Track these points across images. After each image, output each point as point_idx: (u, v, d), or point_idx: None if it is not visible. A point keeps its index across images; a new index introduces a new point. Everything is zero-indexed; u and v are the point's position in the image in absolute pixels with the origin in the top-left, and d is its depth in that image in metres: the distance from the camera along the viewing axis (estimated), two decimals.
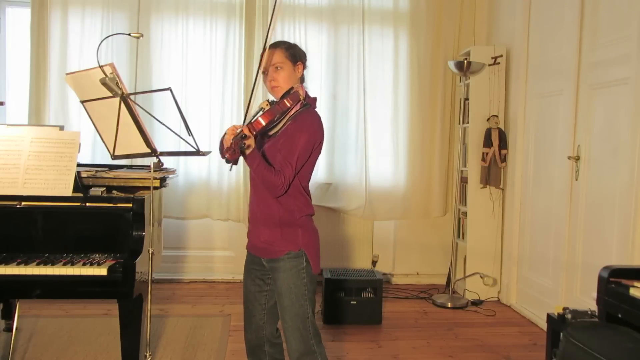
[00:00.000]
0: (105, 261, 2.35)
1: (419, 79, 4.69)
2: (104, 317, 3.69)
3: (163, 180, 2.84)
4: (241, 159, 2.00)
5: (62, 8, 4.38)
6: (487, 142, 4.31)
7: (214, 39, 4.55)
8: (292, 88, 2.06)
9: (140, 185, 2.74)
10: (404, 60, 4.70)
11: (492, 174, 4.32)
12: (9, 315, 3.11)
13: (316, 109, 2.14)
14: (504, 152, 4.29)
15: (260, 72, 2.04)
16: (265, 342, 2.18)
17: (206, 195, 4.58)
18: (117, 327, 2.45)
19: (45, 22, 4.36)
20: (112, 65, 2.26)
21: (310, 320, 2.06)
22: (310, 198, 2.15)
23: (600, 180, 3.23)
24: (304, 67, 2.15)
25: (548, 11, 3.88)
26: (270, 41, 2.04)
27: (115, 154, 2.45)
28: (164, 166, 2.76)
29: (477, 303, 4.30)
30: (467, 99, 4.49)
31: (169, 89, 2.25)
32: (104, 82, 2.23)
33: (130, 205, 2.46)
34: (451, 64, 4.24)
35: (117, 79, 2.26)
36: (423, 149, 4.72)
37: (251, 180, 2.15)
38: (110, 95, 2.28)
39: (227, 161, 1.92)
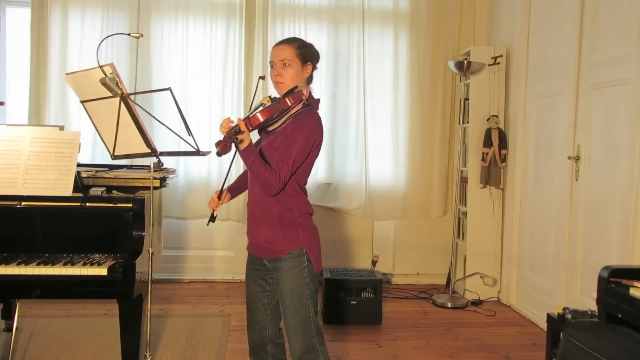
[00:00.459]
0: (105, 261, 2.35)
1: (419, 79, 4.69)
2: (104, 317, 3.69)
3: (163, 180, 2.84)
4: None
5: (62, 8, 4.38)
6: (487, 142, 4.31)
7: (214, 39, 4.55)
8: (296, 87, 2.05)
9: (140, 185, 2.74)
10: (404, 60, 4.71)
11: (492, 174, 4.32)
12: (9, 315, 3.12)
13: (318, 111, 2.13)
14: (504, 152, 4.29)
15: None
16: (268, 342, 2.19)
17: (206, 195, 4.57)
18: (117, 327, 2.45)
19: (45, 22, 4.36)
20: (112, 65, 2.26)
21: (313, 319, 2.06)
22: (307, 197, 2.15)
23: (600, 180, 3.23)
24: (314, 68, 2.14)
25: (548, 11, 3.88)
26: (273, 40, 2.05)
27: (115, 154, 2.45)
28: (164, 166, 2.76)
29: (477, 303, 4.30)
30: (467, 99, 4.49)
31: (169, 89, 2.25)
32: (104, 82, 2.24)
33: (130, 205, 2.46)
34: (451, 64, 4.24)
35: (117, 79, 2.26)
36: (423, 149, 4.72)
37: (250, 180, 2.15)
38: (110, 95, 2.28)
39: (218, 154, 1.90)
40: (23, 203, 2.42)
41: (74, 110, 4.35)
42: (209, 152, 2.43)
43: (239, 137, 1.89)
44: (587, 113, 3.37)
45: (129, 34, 2.55)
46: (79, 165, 2.56)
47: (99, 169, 2.92)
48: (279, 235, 2.05)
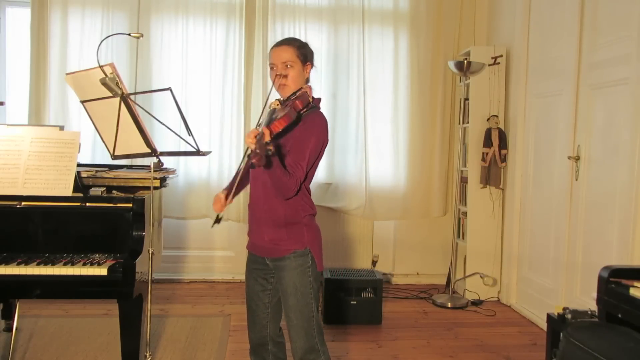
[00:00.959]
0: (105, 261, 2.35)
1: (419, 79, 4.69)
2: (104, 317, 3.69)
3: (163, 180, 2.84)
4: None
5: (62, 8, 4.38)
6: (487, 142, 4.31)
7: (214, 39, 4.55)
8: (300, 88, 2.05)
9: (140, 185, 2.74)
10: (404, 60, 4.70)
11: (492, 174, 4.32)
12: (9, 315, 3.12)
13: (320, 109, 2.13)
14: (504, 152, 4.29)
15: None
16: (268, 341, 2.19)
17: (206, 195, 4.58)
18: (117, 327, 2.45)
19: (45, 22, 4.36)
20: (112, 65, 2.27)
21: (315, 319, 2.06)
22: (311, 197, 2.15)
23: (600, 180, 3.23)
24: (312, 67, 2.14)
25: (548, 11, 3.88)
26: (273, 40, 2.04)
27: (115, 154, 2.46)
28: (164, 166, 2.76)
29: (477, 303, 4.30)
30: (467, 99, 4.49)
31: (169, 89, 2.25)
32: (104, 82, 2.24)
33: (130, 205, 2.46)
34: (451, 64, 4.24)
35: (117, 79, 2.26)
36: (423, 148, 4.72)
37: (252, 181, 2.14)
38: (110, 95, 2.28)
39: (252, 165, 1.85)
40: (23, 203, 2.42)
41: (74, 110, 4.35)
42: (209, 152, 2.43)
43: (270, 148, 1.83)
44: (587, 113, 3.37)
45: (129, 34, 2.55)
46: (79, 165, 2.56)
47: (99, 169, 2.93)
48: (284, 234, 2.04)
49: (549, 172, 3.81)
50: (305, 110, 2.04)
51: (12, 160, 2.44)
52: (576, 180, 3.46)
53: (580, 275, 3.40)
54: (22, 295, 2.63)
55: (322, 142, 2.04)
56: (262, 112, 2.08)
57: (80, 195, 2.49)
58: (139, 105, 2.36)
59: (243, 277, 4.99)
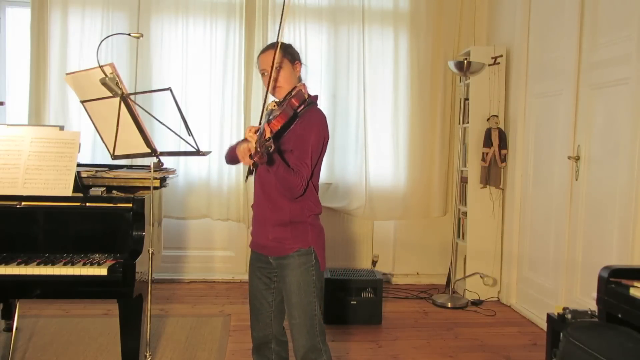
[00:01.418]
0: (105, 261, 2.35)
1: (419, 79, 4.69)
2: (104, 317, 3.69)
3: (163, 180, 2.84)
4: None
5: (62, 8, 4.38)
6: (487, 142, 4.31)
7: (214, 39, 4.55)
8: (294, 87, 2.07)
9: (140, 185, 2.74)
10: (404, 60, 4.70)
11: (492, 174, 4.32)
12: (9, 315, 3.12)
13: (318, 106, 2.14)
14: (504, 152, 4.29)
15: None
16: (272, 340, 2.19)
17: (206, 195, 4.58)
18: (117, 327, 2.45)
19: (45, 22, 4.36)
20: (112, 65, 2.27)
21: (318, 318, 2.07)
22: (318, 195, 2.16)
23: (600, 180, 3.23)
24: (301, 65, 2.16)
25: (548, 11, 3.88)
26: (274, 40, 2.04)
27: (115, 154, 2.46)
28: (164, 166, 2.76)
29: (477, 303, 4.30)
30: (467, 99, 4.49)
31: (169, 89, 2.25)
32: (104, 82, 2.24)
33: (130, 205, 2.46)
34: (451, 64, 4.24)
35: (117, 79, 2.26)
36: (423, 149, 4.72)
37: (257, 180, 2.13)
38: (110, 95, 2.28)
39: (252, 167, 1.88)
40: (23, 203, 2.42)
41: (74, 110, 4.35)
42: (209, 152, 2.43)
43: (270, 145, 1.84)
44: (587, 113, 3.37)
45: (129, 34, 2.55)
46: (79, 165, 2.56)
47: (99, 169, 2.92)
48: (288, 233, 2.05)
49: (549, 172, 3.81)
50: (302, 107, 2.05)
51: (12, 160, 2.44)
52: (576, 180, 3.46)
53: (580, 275, 3.40)
54: (22, 295, 2.63)
55: (322, 137, 2.05)
56: (262, 115, 2.08)
57: (80, 195, 2.49)
58: (139, 105, 2.36)
59: (243, 277, 5.04)
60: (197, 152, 2.33)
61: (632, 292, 2.08)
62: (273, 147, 1.84)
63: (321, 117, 2.08)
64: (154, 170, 2.52)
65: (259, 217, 2.14)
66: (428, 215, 4.81)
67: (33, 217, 2.43)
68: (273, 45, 2.10)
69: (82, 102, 2.41)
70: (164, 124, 2.37)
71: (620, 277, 2.20)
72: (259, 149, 1.80)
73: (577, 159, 3.44)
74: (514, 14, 4.30)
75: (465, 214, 4.52)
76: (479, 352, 3.33)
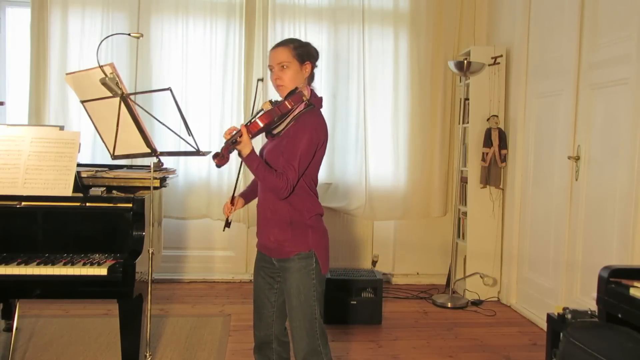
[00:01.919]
0: (105, 261, 2.35)
1: (419, 79, 4.69)
2: (104, 317, 3.69)
3: (163, 180, 2.84)
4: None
5: (62, 8, 4.38)
6: (487, 142, 4.31)
7: (214, 39, 4.55)
8: (296, 88, 2.05)
9: (140, 185, 2.74)
10: (404, 60, 4.70)
11: (492, 174, 4.32)
12: (9, 315, 3.12)
13: (321, 109, 2.13)
14: (504, 152, 4.29)
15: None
16: (273, 340, 2.19)
17: (206, 195, 4.58)
18: (117, 327, 2.45)
19: (45, 22, 4.36)
20: (112, 65, 2.27)
21: (318, 321, 2.06)
22: (318, 197, 2.16)
23: (600, 180, 3.23)
24: (313, 66, 2.13)
25: (548, 11, 3.88)
26: (273, 40, 2.05)
27: (115, 154, 2.45)
28: (164, 166, 2.77)
29: (477, 303, 4.30)
30: (467, 99, 4.49)
31: (169, 89, 2.25)
32: (104, 82, 2.24)
33: (130, 205, 2.46)
34: (451, 64, 4.24)
35: (117, 79, 2.26)
36: (423, 149, 4.72)
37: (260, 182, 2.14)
38: (110, 95, 2.28)
39: (217, 166, 1.94)
40: (23, 203, 2.42)
41: (74, 110, 4.35)
42: (209, 152, 2.42)
43: (237, 147, 1.91)
44: (587, 113, 3.37)
45: (129, 34, 2.55)
46: (79, 165, 2.56)
47: (99, 169, 2.92)
48: (289, 235, 2.05)
49: (549, 172, 3.81)
50: (299, 109, 2.04)
51: (12, 160, 2.44)
52: (576, 180, 3.46)
53: (580, 275, 3.40)
54: (22, 295, 2.63)
55: (315, 142, 2.03)
56: (252, 112, 2.09)
57: (80, 195, 2.49)
58: (139, 105, 2.36)
59: (243, 277, 5.04)
60: (197, 152, 2.33)
61: (632, 292, 2.08)
62: (247, 147, 1.92)
63: (316, 121, 2.06)
64: (154, 170, 2.52)
65: (261, 217, 2.14)
66: (428, 215, 4.81)
67: (33, 217, 2.43)
68: (285, 42, 2.09)
69: (82, 102, 2.40)
70: (164, 124, 2.36)
71: (620, 277, 2.20)
72: (222, 151, 1.86)
73: (577, 159, 3.44)
74: (514, 14, 4.30)
75: (465, 214, 4.52)
76: (479, 352, 3.33)
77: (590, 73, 3.35)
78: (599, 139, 3.26)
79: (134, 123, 2.36)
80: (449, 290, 4.39)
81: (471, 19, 4.84)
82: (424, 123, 4.71)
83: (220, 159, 1.87)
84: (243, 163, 2.02)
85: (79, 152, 2.52)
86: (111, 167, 2.98)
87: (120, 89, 2.26)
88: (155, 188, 2.72)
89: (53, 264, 2.30)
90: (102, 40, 2.73)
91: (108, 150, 2.47)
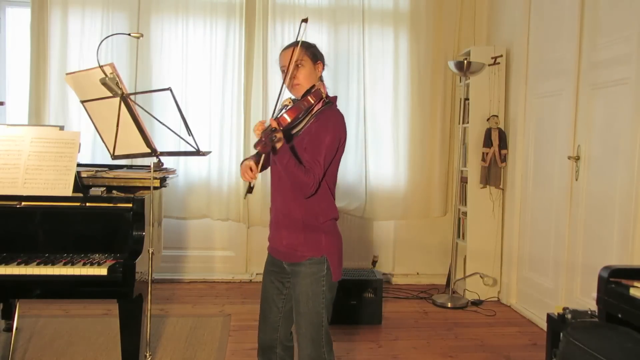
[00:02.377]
0: (105, 261, 2.35)
1: (419, 79, 4.69)
2: (104, 317, 3.69)
3: (163, 180, 2.84)
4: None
5: (62, 8, 4.38)
6: (487, 142, 4.31)
7: (214, 39, 4.55)
8: (313, 86, 2.04)
9: (140, 185, 2.74)
10: (404, 60, 4.71)
11: (492, 174, 4.32)
12: (9, 315, 3.12)
13: (336, 106, 2.11)
14: (504, 152, 4.29)
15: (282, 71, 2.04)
16: (277, 344, 2.16)
17: (206, 195, 4.58)
18: (117, 327, 2.45)
19: (45, 22, 4.36)
20: (112, 65, 2.27)
21: (325, 329, 2.03)
22: (334, 199, 2.11)
23: (600, 180, 3.23)
24: (324, 66, 2.14)
25: (548, 11, 3.88)
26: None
27: (115, 154, 2.46)
28: (164, 166, 2.76)
29: (477, 303, 4.30)
30: (467, 99, 4.49)
31: (169, 89, 2.25)
32: (104, 82, 2.24)
33: (130, 205, 2.46)
34: (451, 64, 4.24)
35: (117, 79, 2.26)
36: (423, 148, 4.73)
37: (273, 182, 2.11)
38: (110, 95, 2.28)
39: (258, 154, 1.86)
40: (23, 203, 2.42)
41: (74, 110, 4.35)
42: (209, 152, 2.42)
43: (276, 135, 1.84)
44: (587, 113, 3.37)
45: (129, 34, 2.55)
46: (79, 165, 2.56)
47: (99, 169, 2.92)
48: (301, 239, 2.01)
49: (549, 172, 3.81)
50: (320, 105, 2.03)
51: (12, 160, 2.44)
52: (576, 180, 3.46)
53: (580, 275, 3.40)
54: (22, 295, 2.63)
55: (338, 138, 2.01)
56: (274, 109, 2.02)
57: (80, 195, 2.49)
58: (139, 105, 2.36)
59: (243, 277, 5.04)
60: (197, 152, 2.32)
61: (632, 292, 2.08)
62: (282, 141, 1.85)
63: (339, 118, 2.04)
64: (154, 170, 2.52)
65: (274, 220, 2.11)
66: (428, 215, 4.82)
67: (33, 217, 2.43)
68: (295, 43, 2.07)
69: (82, 102, 2.40)
70: (164, 124, 2.36)
71: (620, 277, 2.20)
72: (262, 138, 1.79)
73: (577, 159, 3.44)
74: (514, 14, 4.30)
75: (465, 214, 4.52)
76: (479, 352, 3.33)
77: (591, 73, 3.35)
78: (599, 139, 3.26)
79: (134, 123, 2.36)
80: (449, 290, 4.39)
81: (471, 19, 4.84)
82: (424, 123, 4.71)
83: (264, 145, 1.79)
84: (262, 157, 1.97)
85: (79, 152, 2.52)
86: (111, 167, 2.98)
87: (120, 89, 2.26)
88: (155, 188, 2.72)
89: (53, 264, 2.30)
90: (102, 40, 2.73)
91: (108, 150, 2.47)
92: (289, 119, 1.92)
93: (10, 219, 2.42)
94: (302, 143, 1.99)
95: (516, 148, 4.21)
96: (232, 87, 4.56)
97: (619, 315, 2.13)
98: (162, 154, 2.45)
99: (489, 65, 4.34)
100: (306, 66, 2.05)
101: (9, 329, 3.10)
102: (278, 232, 2.08)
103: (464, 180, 4.56)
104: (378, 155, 4.70)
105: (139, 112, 2.36)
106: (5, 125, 2.52)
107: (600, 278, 2.24)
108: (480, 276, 4.35)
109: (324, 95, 2.03)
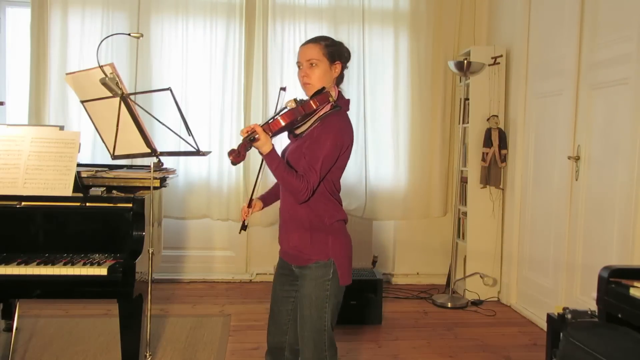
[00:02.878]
0: (105, 261, 2.35)
1: (419, 79, 4.69)
2: (104, 317, 3.69)
3: (163, 180, 2.84)
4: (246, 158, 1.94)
5: (62, 8, 4.38)
6: (487, 142, 4.31)
7: (214, 39, 4.55)
8: (323, 88, 1.98)
9: (140, 185, 2.74)
10: (404, 60, 4.70)
11: (492, 174, 4.32)
12: (9, 315, 3.12)
13: (348, 112, 2.07)
14: (504, 152, 4.29)
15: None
16: (286, 347, 2.15)
17: (206, 195, 4.58)
18: (117, 327, 2.45)
19: (45, 22, 4.36)
20: (112, 65, 2.27)
21: (327, 333, 2.01)
22: (341, 203, 2.09)
23: (600, 180, 3.23)
24: (344, 67, 2.07)
25: (548, 11, 3.88)
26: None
27: (115, 154, 2.46)
28: (164, 166, 2.76)
29: (477, 303, 4.30)
30: (467, 99, 4.49)
31: (169, 89, 2.25)
32: (104, 82, 2.24)
33: (130, 205, 2.47)
34: (451, 64, 4.24)
35: (117, 79, 2.26)
36: (423, 149, 4.72)
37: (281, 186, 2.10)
38: (110, 95, 2.28)
39: (232, 163, 1.84)
40: (23, 203, 2.42)
41: (74, 110, 4.35)
42: (209, 152, 2.43)
43: (255, 144, 1.82)
44: (587, 113, 3.37)
45: (129, 34, 2.55)
46: (79, 165, 2.56)
47: (99, 169, 2.92)
48: (308, 242, 1.99)
49: (549, 172, 3.81)
50: (327, 109, 1.98)
51: (12, 160, 2.44)
52: (576, 180, 3.46)
53: (580, 275, 3.40)
54: (22, 295, 2.64)
55: (339, 145, 1.97)
56: (276, 109, 1.99)
57: (80, 195, 2.49)
58: (139, 105, 2.36)
59: (243, 277, 5.04)
60: (197, 152, 2.33)
61: (632, 292, 2.08)
62: (267, 146, 1.84)
63: (342, 124, 1.99)
64: (154, 170, 2.52)
65: (282, 222, 2.09)
66: (428, 215, 4.81)
67: (33, 217, 2.43)
68: (316, 39, 2.02)
69: (82, 102, 2.41)
70: (164, 124, 2.37)
71: (620, 277, 2.20)
72: (237, 148, 1.78)
73: (577, 159, 3.44)
74: (514, 14, 4.30)
75: (465, 214, 4.52)
76: (479, 352, 3.33)
77: (590, 73, 3.35)
78: (599, 139, 3.26)
79: (134, 123, 2.36)
80: (449, 290, 4.39)
81: (471, 19, 4.84)
82: (424, 123, 4.71)
83: (236, 156, 1.78)
84: (263, 165, 1.96)
85: (79, 152, 2.52)
86: (111, 167, 2.98)
87: (120, 89, 2.26)
88: (155, 188, 2.72)
89: (53, 264, 2.30)
90: (102, 40, 2.73)
91: (108, 150, 2.48)
92: (282, 124, 1.88)
93: (10, 219, 2.42)
94: (302, 146, 1.96)
95: (516, 148, 4.21)
96: (232, 87, 4.56)
97: (619, 315, 2.13)
98: (162, 154, 2.45)
99: (489, 65, 4.34)
100: (320, 66, 1.98)
101: (9, 329, 3.10)
102: (286, 233, 2.06)
103: (464, 180, 4.56)
104: (378, 155, 4.70)
105: (139, 112, 2.36)
106: (5, 125, 2.52)
107: (600, 278, 2.24)
108: (480, 276, 4.35)
109: (332, 100, 1.98)
